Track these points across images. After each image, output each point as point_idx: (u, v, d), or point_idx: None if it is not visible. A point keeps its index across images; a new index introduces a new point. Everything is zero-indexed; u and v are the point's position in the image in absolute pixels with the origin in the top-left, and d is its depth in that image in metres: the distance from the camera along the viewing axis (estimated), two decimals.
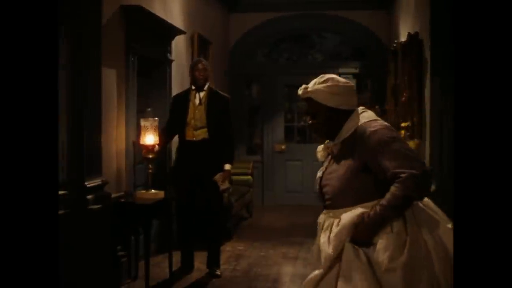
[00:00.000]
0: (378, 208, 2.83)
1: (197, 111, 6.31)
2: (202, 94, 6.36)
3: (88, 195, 5.06)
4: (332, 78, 3.02)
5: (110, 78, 5.78)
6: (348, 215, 2.89)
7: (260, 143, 11.44)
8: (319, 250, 3.00)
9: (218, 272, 6.37)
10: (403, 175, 2.79)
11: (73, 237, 4.77)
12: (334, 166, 3.01)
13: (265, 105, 11.42)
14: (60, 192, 4.70)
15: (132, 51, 6.25)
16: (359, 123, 2.96)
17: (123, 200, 5.83)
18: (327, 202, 3.03)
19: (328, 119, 3.02)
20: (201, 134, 6.31)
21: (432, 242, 2.84)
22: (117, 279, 5.57)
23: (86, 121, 5.04)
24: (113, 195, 5.59)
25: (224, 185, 6.29)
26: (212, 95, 6.40)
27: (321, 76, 3.05)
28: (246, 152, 11.34)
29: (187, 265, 6.52)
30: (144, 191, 5.97)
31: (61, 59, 4.71)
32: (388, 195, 2.82)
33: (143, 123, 6.00)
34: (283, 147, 11.24)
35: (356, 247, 2.85)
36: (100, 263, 5.13)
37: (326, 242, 2.92)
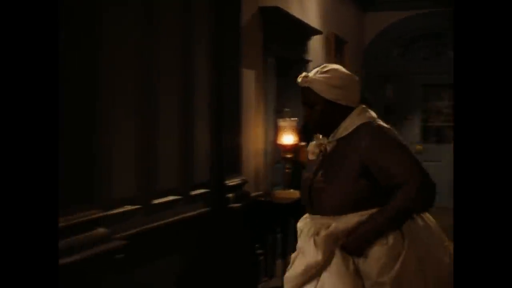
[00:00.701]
0: (375, 217, 2.61)
1: None
2: None
3: (228, 193, 5.15)
4: (335, 69, 2.77)
5: (248, 79, 5.86)
6: (342, 224, 2.65)
7: None
8: (296, 256, 2.76)
9: None
10: (405, 184, 2.58)
11: (215, 234, 4.87)
12: (327, 167, 2.76)
13: (400, 104, 11.20)
14: (203, 191, 4.82)
15: (269, 52, 6.31)
16: (360, 123, 2.72)
17: (261, 199, 5.88)
18: (316, 207, 2.75)
19: (324, 113, 2.75)
20: None
21: (427, 261, 2.64)
22: (255, 277, 5.64)
23: (226, 122, 5.13)
24: (252, 194, 5.66)
25: None
26: None
27: (324, 65, 2.80)
28: None
29: None
30: (281, 191, 6.01)
31: (201, 59, 4.82)
32: (387, 205, 2.61)
33: (281, 123, 6.04)
34: (420, 147, 10.98)
35: (346, 255, 2.63)
36: (239, 260, 5.21)
37: (311, 247, 2.65)
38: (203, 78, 4.84)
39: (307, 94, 2.77)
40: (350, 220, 2.64)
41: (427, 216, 2.77)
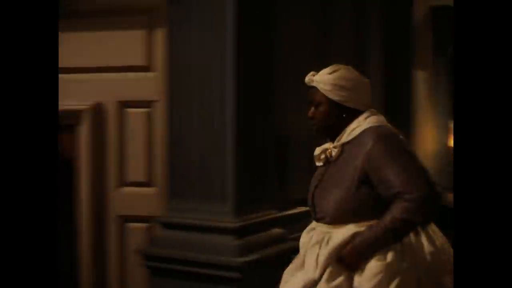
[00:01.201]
0: (373, 229, 2.42)
1: None
2: None
3: None
4: (344, 70, 2.60)
5: (419, 80, 5.74)
6: (339, 235, 2.48)
7: None
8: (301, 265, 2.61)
9: None
10: (406, 195, 2.36)
11: None
12: (330, 174, 2.59)
13: None
14: None
15: (440, 52, 6.14)
16: (365, 127, 2.53)
17: None
18: (319, 216, 2.59)
19: (329, 115, 2.59)
20: None
21: (425, 282, 2.42)
22: None
23: (398, 123, 5.03)
24: None
25: None
26: None
27: (334, 65, 2.64)
28: None
29: None
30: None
31: (374, 60, 4.78)
32: (386, 216, 2.39)
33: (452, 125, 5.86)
34: None
35: (341, 268, 2.46)
36: None
37: (312, 262, 2.51)
38: (376, 79, 4.78)
39: (313, 93, 2.63)
40: (348, 231, 2.48)
41: (433, 229, 2.56)
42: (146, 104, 3.75)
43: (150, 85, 3.71)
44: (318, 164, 2.64)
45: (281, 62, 3.58)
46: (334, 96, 2.57)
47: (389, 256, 2.41)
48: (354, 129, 2.55)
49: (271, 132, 3.41)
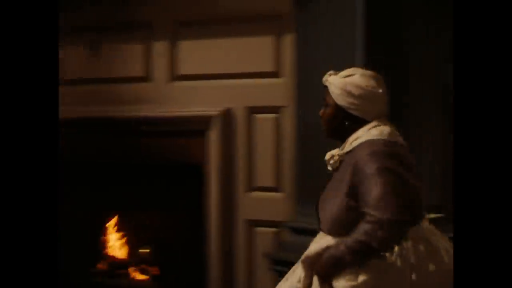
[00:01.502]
0: (339, 247, 2.35)
1: None
2: None
3: None
4: (360, 76, 2.50)
5: None
6: (316, 245, 2.46)
7: None
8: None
9: None
10: (369, 216, 2.27)
11: None
12: (332, 183, 2.54)
13: None
14: None
15: None
16: (364, 139, 2.44)
17: None
18: (322, 226, 2.54)
19: (333, 118, 2.54)
20: None
21: None
22: None
23: None
24: None
25: None
26: None
27: (353, 69, 2.55)
28: None
29: None
30: None
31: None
32: (352, 235, 2.31)
33: None
34: None
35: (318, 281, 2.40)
36: None
37: (299, 269, 2.50)
38: None
39: (326, 93, 2.57)
40: (325, 243, 2.44)
41: (437, 239, 2.44)
42: (275, 109, 3.77)
43: (279, 90, 3.73)
44: (330, 168, 2.57)
45: (415, 63, 3.49)
46: (340, 101, 2.51)
47: (360, 277, 2.35)
48: (355, 139, 2.49)
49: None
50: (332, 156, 2.54)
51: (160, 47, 3.97)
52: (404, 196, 2.34)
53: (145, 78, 4.03)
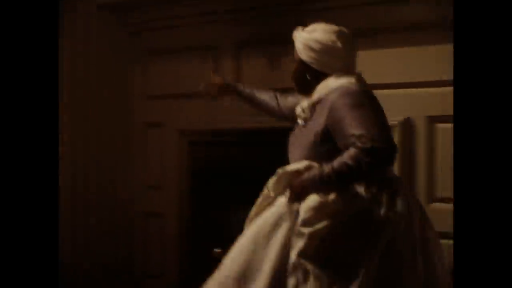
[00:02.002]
0: (321, 168, 2.47)
1: None
2: None
3: None
4: (322, 31, 2.63)
5: None
6: (295, 164, 2.58)
7: None
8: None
9: None
10: (359, 143, 2.38)
11: None
12: (300, 131, 2.66)
13: None
14: None
15: None
16: (336, 86, 2.56)
17: None
18: None
19: (299, 73, 2.68)
20: None
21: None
22: None
23: None
24: None
25: None
26: None
27: (317, 24, 2.66)
28: None
29: None
30: None
31: None
32: (337, 159, 2.43)
33: None
34: None
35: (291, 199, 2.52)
36: None
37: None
38: None
39: (294, 49, 2.71)
40: (303, 163, 2.56)
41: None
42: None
43: None
44: (299, 122, 2.68)
45: None
46: (303, 56, 2.65)
47: (331, 196, 2.45)
48: (321, 88, 2.59)
49: None
50: (303, 109, 2.65)
51: None
52: (384, 126, 2.50)
53: None
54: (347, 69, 2.64)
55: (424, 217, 2.67)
